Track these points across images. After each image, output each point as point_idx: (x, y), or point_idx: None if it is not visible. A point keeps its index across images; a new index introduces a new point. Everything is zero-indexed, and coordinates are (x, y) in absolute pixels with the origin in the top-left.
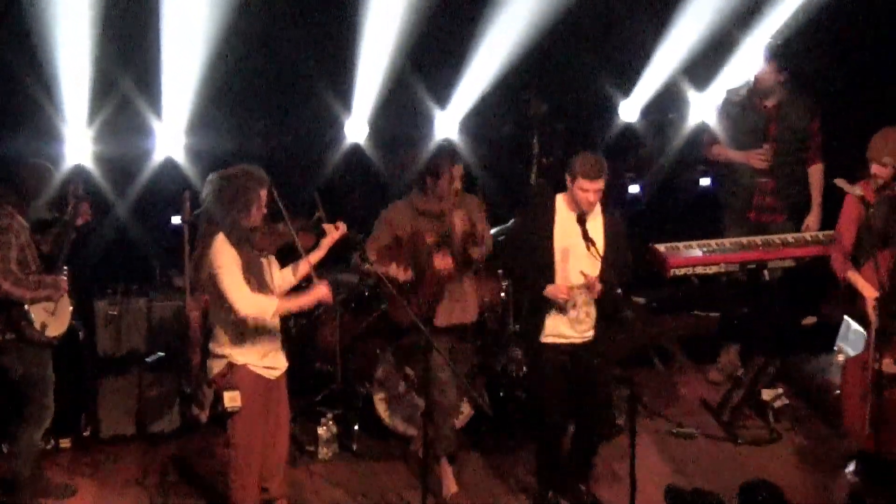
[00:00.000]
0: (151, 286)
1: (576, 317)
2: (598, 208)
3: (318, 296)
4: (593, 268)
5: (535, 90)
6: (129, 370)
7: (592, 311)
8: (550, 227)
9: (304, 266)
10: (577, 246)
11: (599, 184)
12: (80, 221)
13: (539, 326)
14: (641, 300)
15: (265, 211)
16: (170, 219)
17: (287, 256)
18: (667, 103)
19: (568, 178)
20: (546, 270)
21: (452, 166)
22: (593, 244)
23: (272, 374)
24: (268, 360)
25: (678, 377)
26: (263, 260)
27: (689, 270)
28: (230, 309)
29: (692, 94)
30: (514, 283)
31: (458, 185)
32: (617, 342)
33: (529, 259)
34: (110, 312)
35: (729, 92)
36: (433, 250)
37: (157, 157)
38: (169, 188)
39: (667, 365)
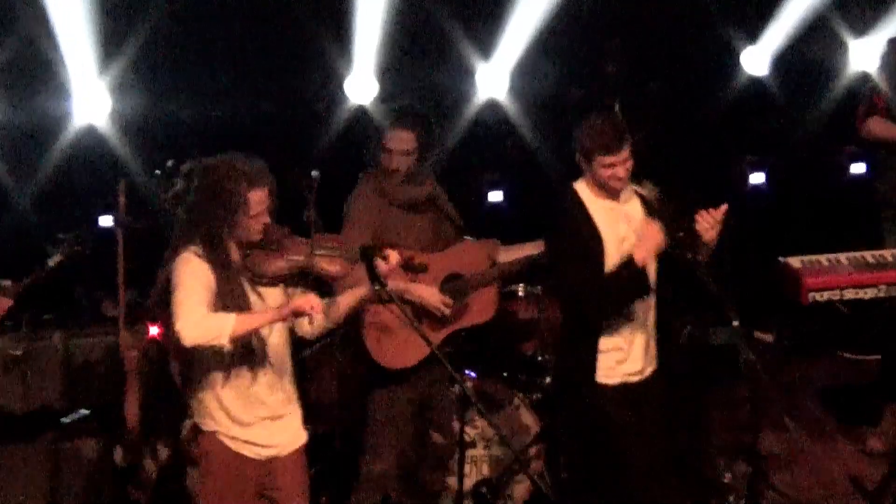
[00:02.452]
0: (71, 315)
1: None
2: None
3: (296, 305)
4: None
5: (618, 38)
6: (39, 435)
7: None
8: (595, 231)
9: (345, 304)
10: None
11: (625, 152)
12: None
13: (592, 360)
14: (768, 337)
15: (267, 220)
16: (96, 217)
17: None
18: (812, 51)
19: (581, 159)
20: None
21: (398, 134)
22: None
23: (262, 454)
24: (256, 432)
25: (820, 446)
26: (262, 290)
27: (836, 295)
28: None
29: (848, 42)
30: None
31: (405, 162)
32: (734, 396)
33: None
34: (12, 353)
35: (893, 42)
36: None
37: (74, 125)
38: (94, 172)
39: (804, 428)
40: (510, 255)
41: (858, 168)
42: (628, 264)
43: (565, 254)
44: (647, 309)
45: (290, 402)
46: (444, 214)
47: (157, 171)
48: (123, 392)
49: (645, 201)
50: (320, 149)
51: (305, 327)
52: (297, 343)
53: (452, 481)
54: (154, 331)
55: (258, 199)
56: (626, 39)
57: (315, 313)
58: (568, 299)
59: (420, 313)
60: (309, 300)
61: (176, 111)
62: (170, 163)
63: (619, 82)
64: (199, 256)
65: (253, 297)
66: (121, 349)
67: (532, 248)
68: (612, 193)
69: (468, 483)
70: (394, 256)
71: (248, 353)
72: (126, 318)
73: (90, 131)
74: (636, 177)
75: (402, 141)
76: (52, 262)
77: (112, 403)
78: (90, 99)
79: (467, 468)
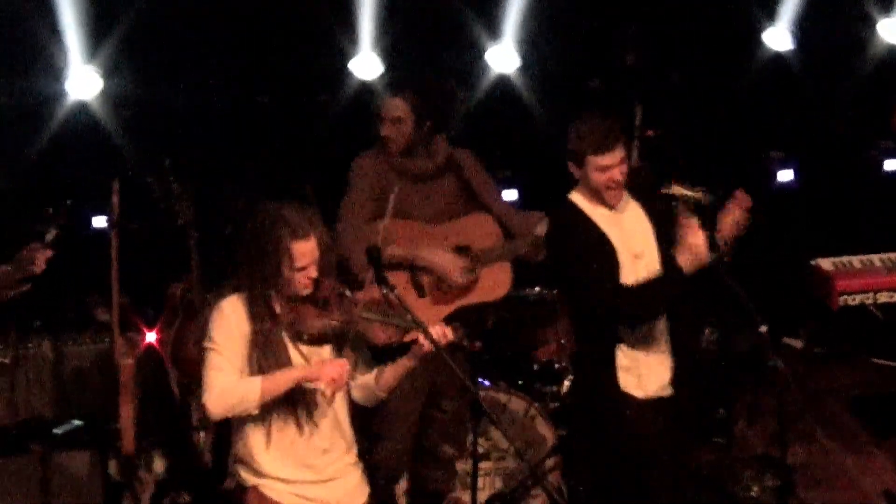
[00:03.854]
0: (61, 322)
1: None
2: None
3: (322, 373)
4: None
5: (635, 28)
6: (29, 446)
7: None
8: (604, 237)
9: (392, 372)
10: (647, 247)
11: (620, 151)
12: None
13: (612, 374)
14: (797, 343)
15: (314, 274)
16: (89, 217)
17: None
18: (838, 29)
19: (573, 166)
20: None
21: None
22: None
23: None
24: (305, 489)
25: (851, 456)
26: (306, 349)
27: (869, 298)
28: None
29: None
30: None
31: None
32: (760, 406)
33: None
34: (0, 361)
35: None
36: None
37: (65, 106)
38: (87, 163)
39: (835, 437)
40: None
41: (893, 164)
42: (676, 274)
43: (578, 265)
44: (663, 318)
45: (343, 465)
46: (465, 184)
47: (149, 179)
48: (117, 402)
49: (687, 204)
50: (321, 131)
51: (356, 394)
52: None
53: (466, 496)
54: (150, 337)
55: (303, 251)
56: (642, 23)
57: (336, 387)
58: (591, 310)
59: (426, 285)
60: (335, 370)
61: (169, 95)
62: (166, 162)
63: (639, 73)
64: (241, 303)
65: (294, 354)
66: (115, 357)
67: None
68: (611, 200)
69: (481, 497)
70: (448, 333)
71: (291, 412)
72: (120, 324)
73: (81, 112)
74: (667, 177)
75: (392, 108)
76: (49, 237)
77: (106, 414)
78: (81, 81)
79: (480, 482)
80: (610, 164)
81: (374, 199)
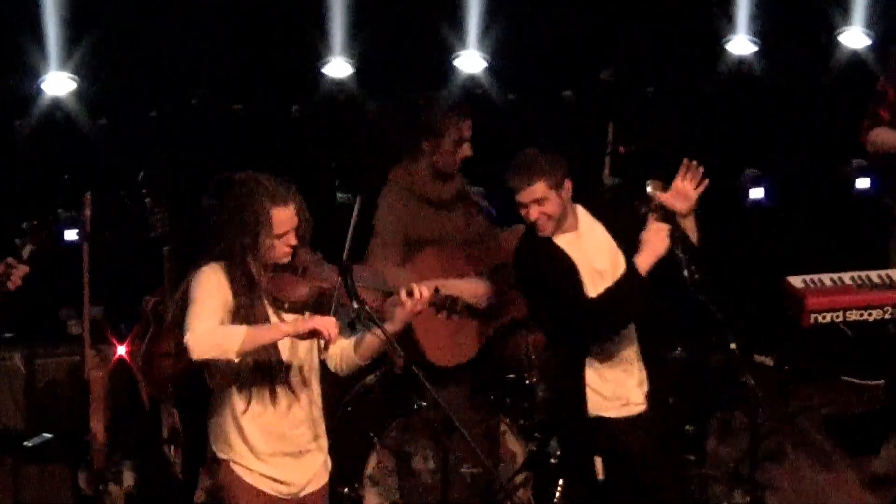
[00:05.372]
0: (33, 334)
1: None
2: (582, 213)
3: (314, 324)
4: None
5: (611, 42)
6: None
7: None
8: (564, 255)
9: (372, 340)
10: (609, 266)
11: (535, 189)
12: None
13: (582, 393)
14: (768, 360)
15: (293, 241)
16: (61, 230)
17: None
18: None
19: None
20: None
21: (462, 120)
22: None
23: (281, 490)
24: (274, 466)
25: (822, 474)
26: (287, 316)
27: (839, 316)
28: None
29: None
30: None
31: (467, 151)
32: (732, 423)
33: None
34: None
35: None
36: None
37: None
38: (56, 169)
39: (805, 455)
40: None
41: (864, 183)
42: (632, 273)
43: (544, 282)
44: (631, 336)
45: (314, 440)
46: (475, 207)
47: (122, 192)
48: (88, 415)
49: (660, 210)
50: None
51: (335, 361)
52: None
53: None
54: (121, 350)
55: (282, 218)
56: (618, 38)
57: (331, 339)
58: (559, 327)
59: (461, 309)
60: (326, 322)
61: (143, 105)
62: (140, 175)
63: (612, 88)
64: (221, 272)
65: (274, 321)
66: (86, 370)
67: None
68: (539, 233)
69: None
70: (424, 291)
71: (270, 380)
72: (91, 337)
73: (54, 119)
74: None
75: (470, 129)
76: (25, 253)
77: (77, 426)
78: (54, 81)
79: None
80: (523, 202)
81: (405, 242)
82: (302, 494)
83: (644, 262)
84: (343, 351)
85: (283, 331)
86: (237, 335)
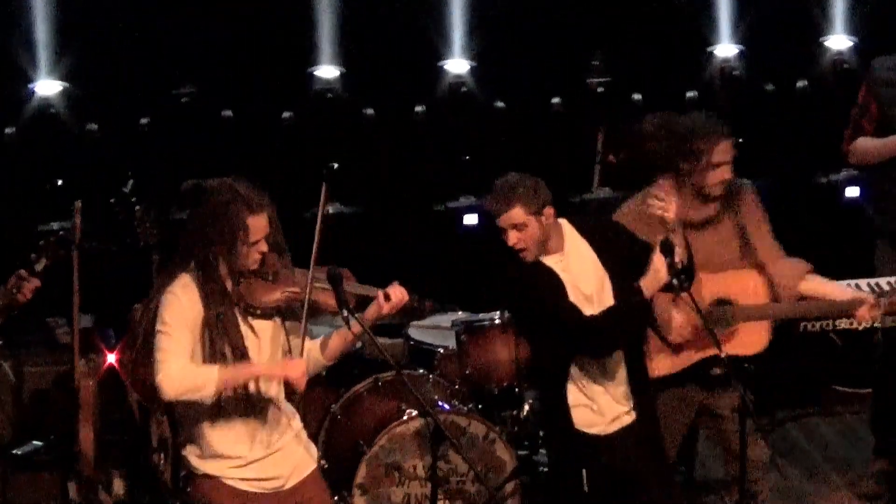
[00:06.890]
0: (22, 342)
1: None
2: (568, 232)
3: (286, 373)
4: None
5: (604, 49)
6: None
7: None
8: (550, 270)
9: (338, 340)
10: (596, 291)
11: (512, 215)
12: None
13: (566, 410)
14: (752, 368)
15: (264, 248)
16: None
17: None
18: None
19: None
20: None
21: (721, 139)
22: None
23: (267, 487)
24: (252, 469)
25: (812, 484)
26: (255, 322)
27: (829, 325)
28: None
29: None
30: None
31: (727, 174)
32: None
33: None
34: None
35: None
36: None
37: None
38: (46, 176)
39: (794, 463)
40: (813, 289)
41: (853, 192)
42: (636, 296)
43: (539, 300)
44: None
45: (288, 431)
46: (728, 232)
47: (112, 200)
48: (78, 423)
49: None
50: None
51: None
52: None
53: None
54: (111, 359)
55: (258, 225)
56: (608, 47)
57: (299, 389)
58: (555, 340)
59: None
60: (297, 371)
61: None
62: (129, 184)
63: (602, 97)
64: (192, 283)
65: (244, 329)
66: (75, 378)
67: (840, 292)
68: (554, 248)
69: None
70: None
71: (240, 395)
72: (81, 346)
73: (43, 127)
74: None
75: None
76: (38, 267)
77: (65, 435)
78: (45, 87)
79: None
80: (501, 227)
81: None
82: (289, 485)
83: (649, 287)
84: (309, 352)
85: (255, 372)
86: (210, 380)
